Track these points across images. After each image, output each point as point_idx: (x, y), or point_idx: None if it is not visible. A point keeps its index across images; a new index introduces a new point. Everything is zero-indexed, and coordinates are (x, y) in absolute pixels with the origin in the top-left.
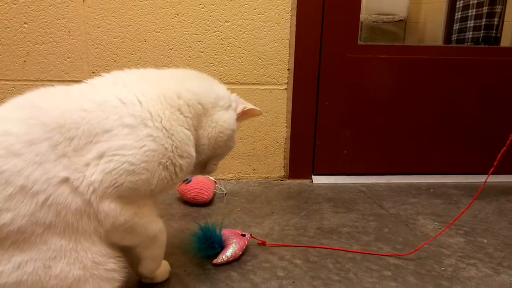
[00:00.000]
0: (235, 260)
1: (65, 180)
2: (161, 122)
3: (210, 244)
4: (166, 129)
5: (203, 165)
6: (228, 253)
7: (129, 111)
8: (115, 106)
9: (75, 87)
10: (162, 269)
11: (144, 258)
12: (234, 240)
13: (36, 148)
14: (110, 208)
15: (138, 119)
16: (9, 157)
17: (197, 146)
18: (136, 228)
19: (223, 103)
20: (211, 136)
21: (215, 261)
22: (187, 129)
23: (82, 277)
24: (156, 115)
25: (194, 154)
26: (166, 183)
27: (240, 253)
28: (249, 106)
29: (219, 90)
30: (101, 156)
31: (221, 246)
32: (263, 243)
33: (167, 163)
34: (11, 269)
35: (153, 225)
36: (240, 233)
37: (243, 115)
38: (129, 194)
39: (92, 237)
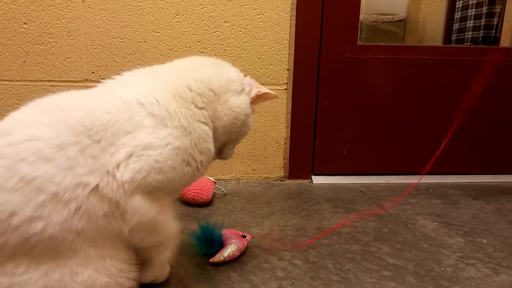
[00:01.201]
0: (233, 261)
1: (95, 188)
2: (179, 121)
3: (210, 243)
4: (184, 128)
5: (219, 151)
6: (226, 253)
7: (149, 111)
8: (135, 107)
9: (91, 90)
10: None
11: (156, 262)
12: (234, 240)
13: (66, 153)
14: (139, 205)
15: (158, 118)
16: (40, 163)
17: (214, 136)
18: (158, 226)
19: (236, 87)
20: (226, 124)
21: (211, 259)
22: (204, 123)
23: (109, 284)
24: (174, 114)
25: (213, 149)
26: (188, 178)
27: (238, 254)
28: (264, 90)
29: (230, 73)
30: (129, 156)
31: (221, 245)
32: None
33: (189, 159)
34: (37, 276)
35: (173, 224)
36: (241, 234)
37: (258, 99)
38: (156, 191)
39: (116, 242)
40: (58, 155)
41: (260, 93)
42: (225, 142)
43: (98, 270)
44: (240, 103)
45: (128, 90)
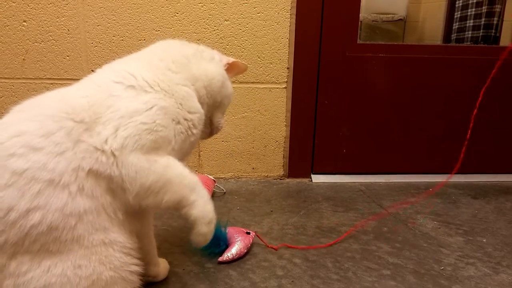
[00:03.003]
0: (240, 258)
1: (91, 171)
2: (159, 86)
3: (216, 242)
4: (165, 91)
5: (210, 122)
6: (234, 250)
7: (126, 85)
8: (112, 85)
9: (68, 87)
10: (162, 267)
11: (193, 221)
12: (239, 238)
13: (53, 139)
14: (137, 167)
15: (137, 88)
16: (30, 153)
17: (198, 98)
18: (171, 184)
19: (206, 55)
20: (206, 84)
21: (220, 259)
22: (184, 85)
23: (113, 278)
24: (152, 81)
25: (201, 108)
26: (184, 138)
27: (245, 251)
28: (232, 59)
29: (194, 45)
30: (117, 129)
31: (226, 244)
32: (274, 248)
33: (179, 118)
34: (40, 273)
35: (189, 175)
36: (245, 231)
37: (231, 69)
38: (152, 152)
39: (119, 226)
40: (46, 142)
41: (231, 61)
42: (213, 110)
43: (102, 263)
44: (213, 66)
45: (103, 75)
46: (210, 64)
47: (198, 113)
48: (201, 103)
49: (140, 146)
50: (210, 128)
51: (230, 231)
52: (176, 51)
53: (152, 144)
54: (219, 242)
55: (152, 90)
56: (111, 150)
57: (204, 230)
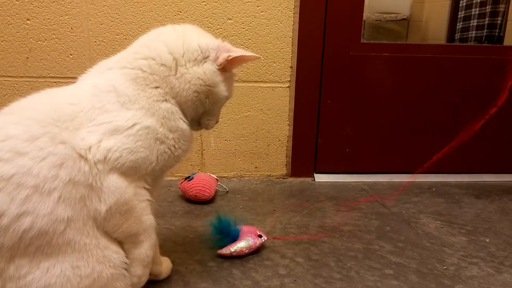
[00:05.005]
0: (240, 257)
1: (71, 181)
2: (139, 103)
3: (224, 235)
4: (146, 109)
5: (197, 122)
6: (233, 248)
7: (110, 99)
8: (95, 95)
9: (57, 89)
10: (165, 266)
11: (132, 259)
12: (248, 238)
13: (37, 144)
14: (116, 184)
15: (118, 104)
16: (16, 158)
17: (182, 111)
18: (134, 211)
19: (196, 56)
20: (187, 100)
21: (219, 251)
22: (165, 101)
23: (115, 275)
24: (133, 97)
25: (184, 126)
26: (167, 158)
27: (247, 251)
28: (236, 53)
29: (190, 41)
30: (100, 140)
31: (235, 239)
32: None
33: (162, 137)
34: (40, 275)
35: (150, 217)
36: (258, 233)
37: (232, 64)
38: (131, 172)
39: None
40: (31, 147)
41: (230, 57)
42: (201, 114)
43: (100, 262)
44: (201, 73)
45: (90, 80)
46: (198, 68)
47: (178, 131)
48: (186, 115)
49: (120, 164)
50: (198, 127)
51: (244, 229)
52: (158, 57)
53: (131, 164)
54: (227, 236)
55: (133, 107)
56: (94, 161)
57: (140, 272)
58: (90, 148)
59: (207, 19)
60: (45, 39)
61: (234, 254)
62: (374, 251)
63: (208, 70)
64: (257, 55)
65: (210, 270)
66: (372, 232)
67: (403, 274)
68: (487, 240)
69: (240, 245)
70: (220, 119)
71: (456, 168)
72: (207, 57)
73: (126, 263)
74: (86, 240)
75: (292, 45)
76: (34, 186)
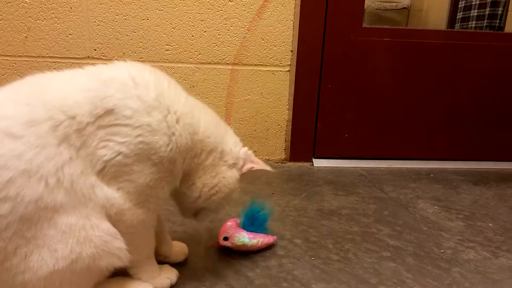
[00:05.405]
0: (240, 253)
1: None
2: (167, 116)
3: (251, 221)
4: (169, 126)
5: (196, 212)
6: (237, 242)
7: (137, 93)
8: (122, 84)
9: (85, 68)
10: (176, 250)
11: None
12: (260, 239)
13: (36, 130)
14: (114, 197)
15: (144, 105)
16: (6, 140)
17: (187, 191)
18: (140, 239)
19: (228, 159)
20: (206, 184)
21: (221, 242)
22: (190, 140)
23: (96, 254)
24: (166, 106)
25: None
26: (158, 183)
27: (245, 249)
28: (258, 166)
29: (228, 143)
30: (119, 188)
31: (260, 228)
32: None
33: (157, 161)
34: (18, 261)
35: (150, 243)
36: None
37: (250, 173)
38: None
39: (101, 214)
40: (27, 132)
41: (254, 169)
42: (203, 207)
43: (80, 242)
44: (228, 176)
45: (128, 68)
46: (226, 171)
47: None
48: (188, 200)
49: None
50: (193, 217)
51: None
52: (210, 138)
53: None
54: (253, 222)
55: (155, 115)
56: (97, 170)
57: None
58: (109, 198)
59: (207, 0)
60: (44, 18)
61: (234, 249)
62: (372, 234)
63: (234, 176)
64: (271, 169)
65: (210, 249)
66: (370, 216)
67: (400, 257)
68: (485, 225)
69: (245, 242)
70: (219, 103)
71: (454, 155)
72: (236, 163)
73: (106, 241)
74: (73, 220)
75: (293, 29)
76: (22, 170)
